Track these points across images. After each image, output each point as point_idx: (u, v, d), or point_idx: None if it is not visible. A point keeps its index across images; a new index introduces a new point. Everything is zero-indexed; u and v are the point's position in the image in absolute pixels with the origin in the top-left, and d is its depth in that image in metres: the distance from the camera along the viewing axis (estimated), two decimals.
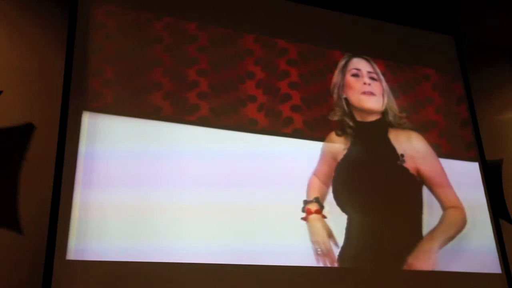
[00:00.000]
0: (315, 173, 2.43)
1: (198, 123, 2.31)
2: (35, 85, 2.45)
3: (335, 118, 2.59)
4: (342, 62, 2.73)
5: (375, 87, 2.72)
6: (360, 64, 2.76)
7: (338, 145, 2.54)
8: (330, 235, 2.34)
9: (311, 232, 2.31)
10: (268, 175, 2.33)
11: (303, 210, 2.33)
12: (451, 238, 2.56)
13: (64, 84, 2.15)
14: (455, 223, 2.61)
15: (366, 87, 2.68)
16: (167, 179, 2.16)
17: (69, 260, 1.91)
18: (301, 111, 2.52)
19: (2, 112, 2.29)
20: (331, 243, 2.33)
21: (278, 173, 2.35)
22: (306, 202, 2.35)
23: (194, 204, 2.16)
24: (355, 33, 2.90)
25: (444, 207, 2.62)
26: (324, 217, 2.35)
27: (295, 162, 2.41)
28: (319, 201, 2.37)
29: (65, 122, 2.09)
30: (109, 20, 2.34)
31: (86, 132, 2.11)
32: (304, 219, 2.32)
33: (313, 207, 2.35)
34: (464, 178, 2.73)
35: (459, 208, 2.65)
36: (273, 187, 2.31)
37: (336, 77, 2.68)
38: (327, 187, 2.43)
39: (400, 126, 2.71)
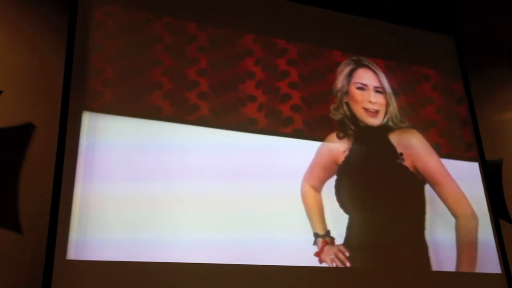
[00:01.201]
0: (308, 181, 2.40)
1: (198, 123, 2.31)
2: (35, 85, 2.45)
3: (336, 118, 2.58)
4: (347, 69, 2.70)
5: (380, 101, 2.68)
6: (366, 77, 2.71)
7: (339, 147, 2.53)
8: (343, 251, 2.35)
9: (326, 254, 2.31)
10: (268, 174, 2.33)
11: (315, 243, 2.31)
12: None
13: (64, 84, 2.15)
14: (474, 240, 2.61)
15: (370, 106, 2.64)
16: (167, 177, 2.16)
17: (69, 260, 1.92)
18: (301, 111, 2.52)
19: (2, 112, 2.29)
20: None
21: (278, 172, 2.35)
22: (317, 236, 2.32)
23: (195, 199, 2.17)
24: (355, 33, 2.90)
25: (453, 213, 2.62)
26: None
27: (295, 162, 2.41)
28: (329, 235, 2.35)
29: (65, 122, 2.09)
30: (109, 20, 2.34)
31: (86, 132, 2.11)
32: (317, 254, 2.30)
33: (327, 240, 2.33)
34: (464, 178, 2.73)
35: (469, 215, 2.65)
36: (274, 186, 2.31)
37: (340, 83, 2.66)
38: (320, 193, 2.41)
39: (398, 127, 2.70)
